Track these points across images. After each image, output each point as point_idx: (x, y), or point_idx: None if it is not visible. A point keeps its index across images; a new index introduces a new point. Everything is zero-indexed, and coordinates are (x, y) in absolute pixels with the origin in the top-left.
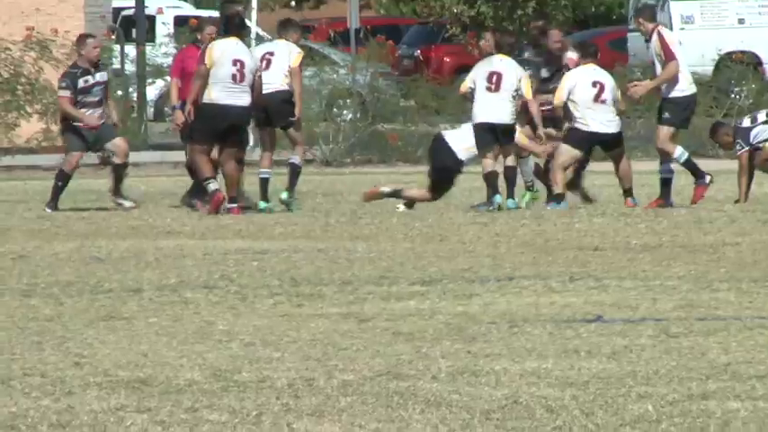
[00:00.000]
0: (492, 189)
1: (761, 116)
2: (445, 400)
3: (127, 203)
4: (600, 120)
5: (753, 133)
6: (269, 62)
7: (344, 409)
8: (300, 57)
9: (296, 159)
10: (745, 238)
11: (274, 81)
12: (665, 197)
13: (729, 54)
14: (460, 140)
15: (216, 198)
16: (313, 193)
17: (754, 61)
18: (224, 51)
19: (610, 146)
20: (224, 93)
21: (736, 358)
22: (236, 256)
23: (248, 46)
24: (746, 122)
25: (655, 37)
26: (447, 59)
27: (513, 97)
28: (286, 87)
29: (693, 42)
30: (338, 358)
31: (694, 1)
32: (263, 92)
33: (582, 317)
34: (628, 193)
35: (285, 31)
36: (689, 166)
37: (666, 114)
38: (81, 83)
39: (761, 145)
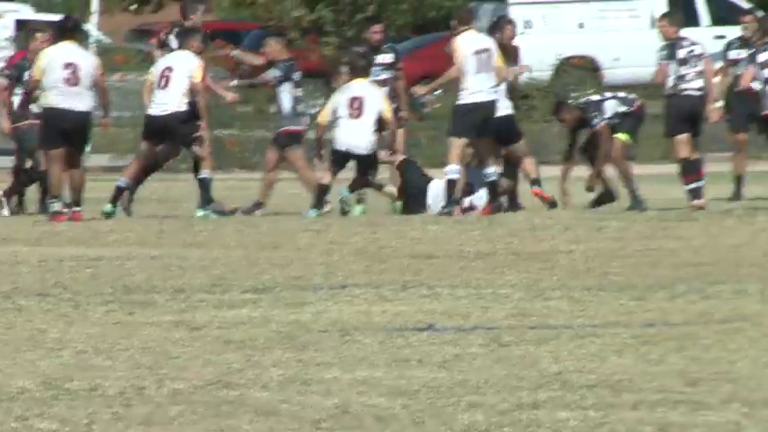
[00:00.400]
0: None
1: (608, 93)
2: (275, 408)
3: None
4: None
5: (605, 106)
6: (167, 80)
7: (175, 418)
8: (202, 70)
9: (206, 174)
10: (578, 246)
11: (170, 101)
12: (493, 202)
13: (568, 59)
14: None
15: (57, 219)
16: (148, 199)
17: (593, 66)
18: (53, 58)
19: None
20: (60, 97)
21: (567, 367)
22: (71, 263)
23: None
24: (596, 97)
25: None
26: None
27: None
28: (183, 108)
29: (533, 47)
30: (169, 366)
31: (534, 6)
32: (160, 113)
33: (413, 325)
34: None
35: (185, 40)
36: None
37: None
38: None
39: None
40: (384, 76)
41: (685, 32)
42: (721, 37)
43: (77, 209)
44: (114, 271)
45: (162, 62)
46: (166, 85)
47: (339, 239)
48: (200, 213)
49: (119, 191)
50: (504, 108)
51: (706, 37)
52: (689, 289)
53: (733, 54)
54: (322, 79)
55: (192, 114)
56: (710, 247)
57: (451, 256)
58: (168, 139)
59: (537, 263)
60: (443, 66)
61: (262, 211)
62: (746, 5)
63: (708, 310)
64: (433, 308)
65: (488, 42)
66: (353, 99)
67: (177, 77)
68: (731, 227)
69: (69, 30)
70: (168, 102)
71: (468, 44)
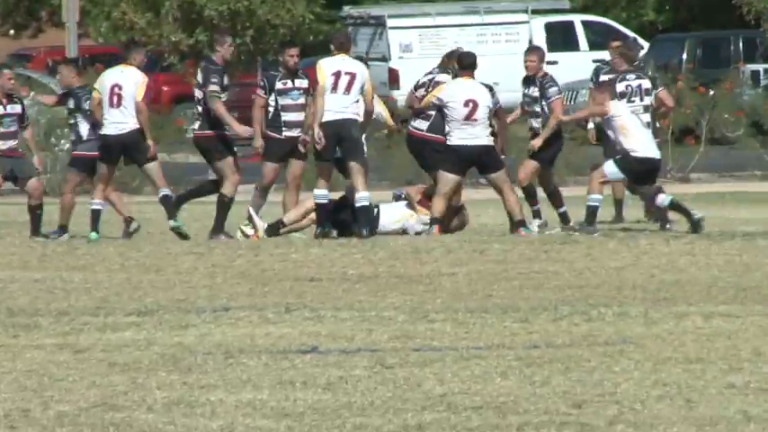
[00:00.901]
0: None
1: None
2: (160, 430)
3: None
4: None
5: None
6: (119, 98)
7: None
8: (144, 87)
9: (165, 191)
10: (461, 269)
11: (128, 120)
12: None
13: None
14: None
15: None
16: (30, 223)
17: None
18: None
19: None
20: None
21: (451, 389)
22: None
23: None
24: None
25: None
26: (165, 88)
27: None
28: (139, 126)
29: (412, 71)
30: (54, 389)
31: (412, 29)
32: (118, 132)
33: (297, 348)
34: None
35: (129, 53)
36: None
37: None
38: None
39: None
40: (302, 100)
41: (564, 56)
42: (600, 61)
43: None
44: None
45: (107, 79)
46: (119, 103)
47: (222, 262)
48: (172, 224)
49: (96, 214)
50: (484, 138)
51: (584, 61)
52: (572, 311)
53: (603, 78)
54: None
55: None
56: (593, 270)
57: (334, 279)
58: (128, 157)
59: (420, 285)
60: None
61: (67, 236)
62: (625, 30)
63: (591, 332)
64: (316, 330)
65: (356, 67)
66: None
67: (127, 96)
68: (613, 249)
69: None
70: (125, 121)
71: (330, 66)
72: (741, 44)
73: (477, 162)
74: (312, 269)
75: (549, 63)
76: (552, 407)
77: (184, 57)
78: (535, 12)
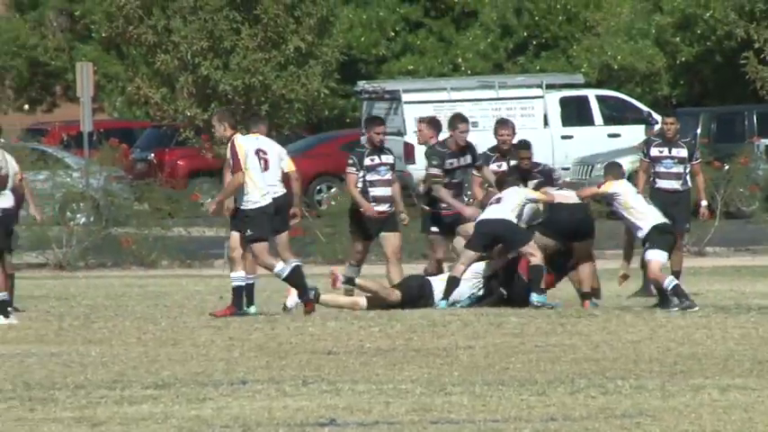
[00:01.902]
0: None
1: None
2: None
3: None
4: None
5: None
6: (266, 162)
7: None
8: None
9: (294, 262)
10: (478, 342)
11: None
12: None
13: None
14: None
15: None
16: (46, 297)
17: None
18: None
19: None
20: None
21: None
22: None
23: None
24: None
25: (229, 145)
26: (181, 163)
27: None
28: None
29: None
30: None
31: (427, 104)
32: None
33: (315, 420)
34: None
35: (254, 125)
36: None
37: (248, 231)
38: None
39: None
40: (389, 176)
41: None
42: (615, 135)
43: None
44: (14, 368)
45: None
46: (266, 167)
47: (239, 335)
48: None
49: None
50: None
51: (600, 135)
52: (589, 384)
53: (655, 151)
54: (217, 177)
55: None
56: (610, 343)
57: (351, 352)
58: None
59: (437, 358)
60: (337, 163)
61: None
62: (639, 105)
63: (608, 405)
64: (334, 403)
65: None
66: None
67: (273, 161)
68: (630, 323)
69: None
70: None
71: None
72: (755, 119)
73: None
74: (329, 342)
75: (563, 137)
76: None
77: (199, 131)
78: (549, 87)
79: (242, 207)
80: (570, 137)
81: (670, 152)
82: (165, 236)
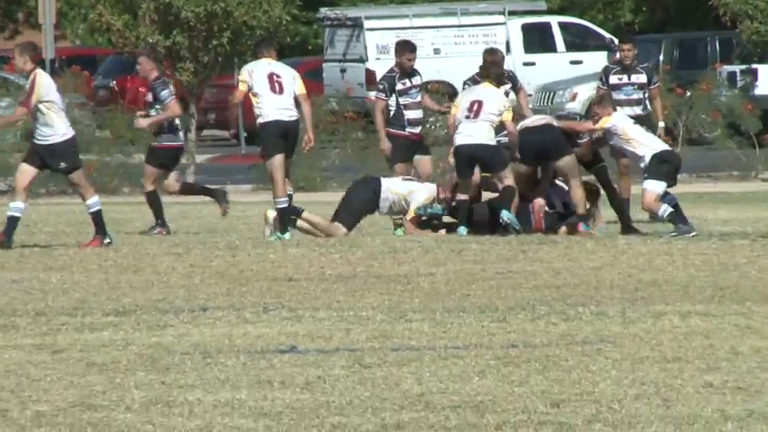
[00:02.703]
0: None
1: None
2: (138, 430)
3: None
4: None
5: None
6: (281, 86)
7: None
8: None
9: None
10: (439, 269)
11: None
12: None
13: (426, 84)
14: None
15: None
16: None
17: (450, 91)
18: None
19: None
20: None
21: (429, 388)
22: None
23: None
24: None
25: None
26: (143, 90)
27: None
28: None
29: None
30: (32, 389)
31: (389, 31)
32: (288, 118)
33: (275, 347)
34: None
35: (264, 49)
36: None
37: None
38: None
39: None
40: (419, 98)
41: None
42: (577, 62)
43: None
44: None
45: (259, 70)
46: (281, 90)
47: (200, 263)
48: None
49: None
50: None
51: (562, 62)
52: (550, 311)
53: (614, 79)
54: (182, 104)
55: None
56: (571, 270)
57: (312, 279)
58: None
59: (398, 285)
60: None
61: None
62: (601, 32)
63: (569, 331)
64: (294, 330)
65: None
66: (474, 101)
67: (287, 84)
68: (591, 249)
69: None
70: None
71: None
72: (717, 45)
73: None
74: (290, 269)
75: (525, 64)
76: (530, 406)
77: (161, 58)
78: (512, 13)
79: (45, 141)
80: (533, 63)
81: (629, 78)
82: (126, 163)
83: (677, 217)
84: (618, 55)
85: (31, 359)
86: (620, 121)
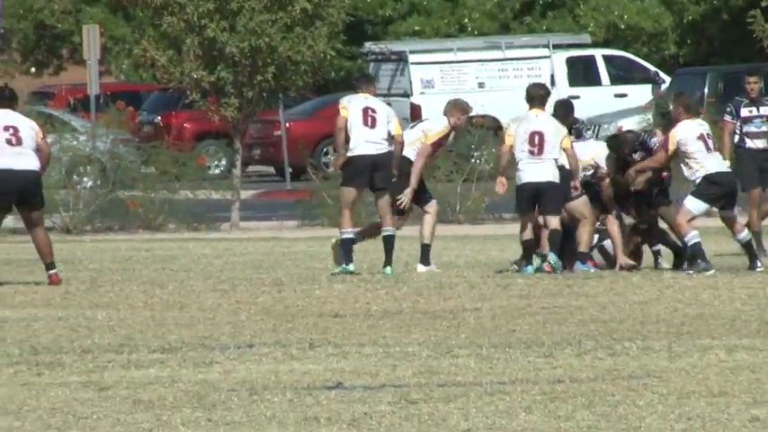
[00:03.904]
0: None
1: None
2: None
3: None
4: None
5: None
6: (374, 120)
7: None
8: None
9: (390, 231)
10: (484, 304)
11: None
12: None
13: (470, 118)
14: None
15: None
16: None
17: (495, 125)
18: None
19: None
20: (3, 158)
21: (476, 424)
22: None
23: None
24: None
25: None
26: (187, 125)
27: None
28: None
29: (434, 106)
30: (78, 427)
31: (434, 65)
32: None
33: (322, 384)
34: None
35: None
36: None
37: None
38: None
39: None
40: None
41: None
42: (622, 95)
43: (53, 271)
44: (21, 332)
45: (356, 103)
46: (374, 125)
47: (245, 299)
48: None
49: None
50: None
51: (607, 96)
52: (596, 345)
53: (745, 112)
54: (224, 139)
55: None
56: (616, 304)
57: (358, 315)
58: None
59: (444, 321)
60: None
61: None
62: (646, 65)
63: (615, 366)
64: (341, 366)
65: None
66: (533, 133)
67: (381, 120)
68: (636, 284)
69: (7, 98)
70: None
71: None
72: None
73: None
74: (336, 305)
75: (571, 97)
76: None
77: (206, 93)
78: (556, 47)
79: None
80: (577, 97)
81: (758, 111)
82: (171, 199)
83: (700, 251)
84: (662, 88)
85: (78, 396)
86: (685, 133)
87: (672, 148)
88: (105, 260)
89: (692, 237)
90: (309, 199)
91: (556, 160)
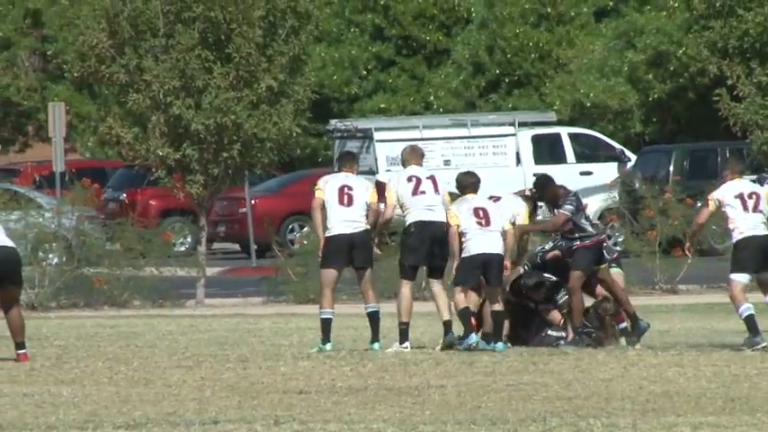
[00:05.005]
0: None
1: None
2: None
3: None
4: None
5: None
6: (350, 198)
7: None
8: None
9: (374, 307)
10: (449, 380)
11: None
12: None
13: None
14: None
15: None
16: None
17: None
18: None
19: None
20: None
21: None
22: None
23: None
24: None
25: None
26: (153, 202)
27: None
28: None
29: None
30: None
31: (399, 142)
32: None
33: None
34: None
35: (347, 163)
36: None
37: None
38: None
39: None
40: None
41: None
42: (588, 173)
43: (23, 351)
44: None
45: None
46: (350, 203)
47: (210, 375)
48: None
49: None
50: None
51: (572, 173)
52: (561, 423)
53: None
54: (189, 216)
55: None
56: (582, 381)
57: (323, 391)
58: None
59: (409, 397)
60: (309, 202)
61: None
62: (612, 143)
63: None
64: None
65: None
66: (477, 208)
67: (359, 197)
68: (602, 361)
69: None
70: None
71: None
72: (728, 155)
73: None
74: (301, 382)
75: (535, 175)
76: None
77: (171, 170)
78: (522, 124)
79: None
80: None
81: None
82: (137, 276)
83: (753, 323)
84: (628, 166)
85: None
86: (722, 194)
87: (712, 209)
88: (71, 336)
89: (744, 309)
90: (275, 276)
91: (502, 234)
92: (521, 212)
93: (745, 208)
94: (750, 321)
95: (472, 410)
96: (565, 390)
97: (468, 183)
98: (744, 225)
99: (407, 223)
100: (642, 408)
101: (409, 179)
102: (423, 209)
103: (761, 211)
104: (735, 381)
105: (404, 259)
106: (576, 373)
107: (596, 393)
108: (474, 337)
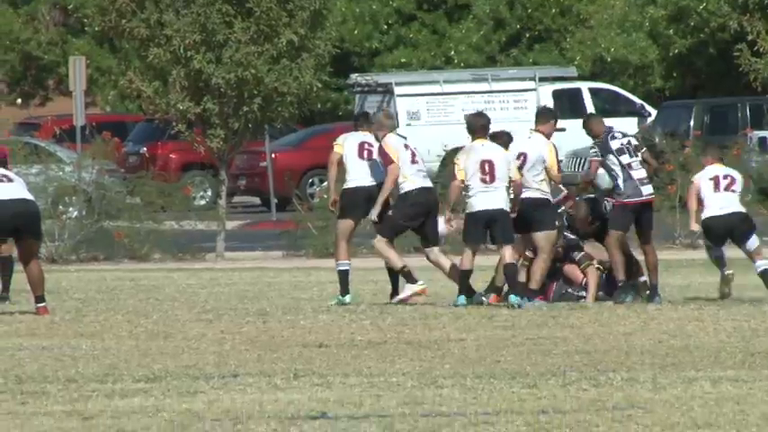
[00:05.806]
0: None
1: None
2: None
3: None
4: None
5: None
6: (369, 153)
7: None
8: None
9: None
10: (469, 335)
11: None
12: None
13: (455, 149)
14: None
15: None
16: None
17: None
18: None
19: None
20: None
21: None
22: None
23: None
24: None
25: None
26: (173, 156)
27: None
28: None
29: (420, 138)
30: None
31: (420, 97)
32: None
33: (306, 413)
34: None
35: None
36: None
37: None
38: None
39: None
40: None
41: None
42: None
43: (42, 304)
44: (5, 362)
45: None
46: (369, 157)
47: (230, 329)
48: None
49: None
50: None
51: None
52: (581, 376)
53: None
54: (210, 170)
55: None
56: (601, 335)
57: (342, 345)
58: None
59: (428, 351)
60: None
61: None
62: (632, 98)
63: (600, 397)
64: (325, 396)
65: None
66: (483, 162)
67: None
68: (622, 315)
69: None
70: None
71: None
72: (748, 111)
73: None
74: (320, 335)
75: (557, 130)
76: None
77: (192, 125)
78: (542, 79)
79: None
80: (563, 129)
81: None
82: (157, 229)
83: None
84: (648, 120)
85: (62, 426)
86: (699, 175)
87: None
88: (90, 290)
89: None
90: (295, 230)
91: (507, 188)
92: (546, 157)
93: (717, 188)
94: (765, 276)
95: (492, 364)
96: (584, 344)
97: (478, 125)
98: (710, 204)
99: (408, 189)
100: (662, 362)
101: (406, 147)
102: (423, 177)
103: (733, 191)
104: (754, 335)
105: (398, 218)
106: (595, 327)
107: (616, 347)
108: (462, 299)
